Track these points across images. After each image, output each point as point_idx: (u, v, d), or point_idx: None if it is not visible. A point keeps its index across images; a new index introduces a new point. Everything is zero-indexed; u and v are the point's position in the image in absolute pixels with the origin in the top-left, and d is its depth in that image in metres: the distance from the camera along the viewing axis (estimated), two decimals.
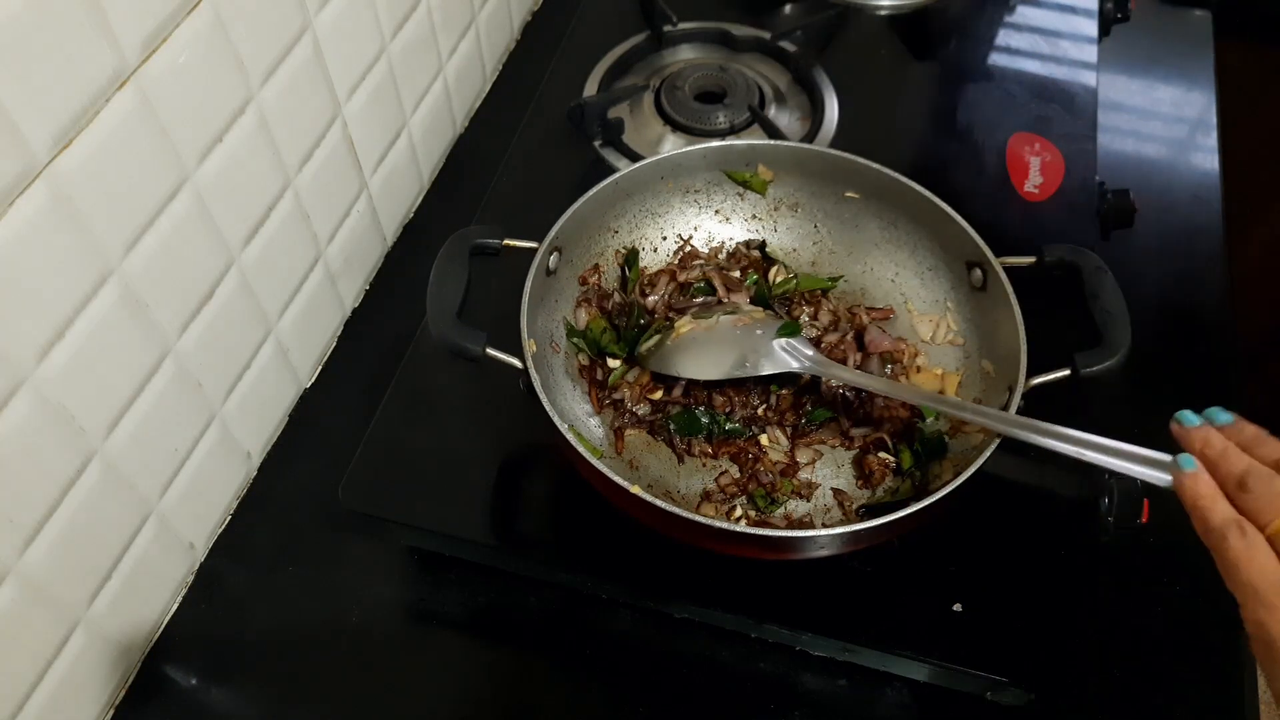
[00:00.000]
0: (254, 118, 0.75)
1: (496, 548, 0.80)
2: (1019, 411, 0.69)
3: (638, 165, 0.86)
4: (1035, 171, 1.03)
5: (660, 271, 0.90)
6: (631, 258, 0.90)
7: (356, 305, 1.00)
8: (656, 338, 0.83)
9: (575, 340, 0.85)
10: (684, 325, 0.82)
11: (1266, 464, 0.50)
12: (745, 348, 0.80)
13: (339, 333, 0.98)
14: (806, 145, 0.89)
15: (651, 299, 0.88)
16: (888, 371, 0.84)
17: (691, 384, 0.82)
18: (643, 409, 0.82)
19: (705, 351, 0.80)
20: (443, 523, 0.80)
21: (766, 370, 0.78)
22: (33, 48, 0.53)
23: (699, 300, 0.88)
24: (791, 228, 0.92)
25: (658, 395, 0.82)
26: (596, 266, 0.88)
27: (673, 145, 1.06)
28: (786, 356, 0.79)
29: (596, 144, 1.06)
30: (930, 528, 0.68)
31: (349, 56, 0.86)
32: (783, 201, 0.91)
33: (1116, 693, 0.74)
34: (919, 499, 0.66)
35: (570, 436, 0.68)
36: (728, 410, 0.82)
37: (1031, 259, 0.78)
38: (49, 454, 0.62)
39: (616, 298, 0.88)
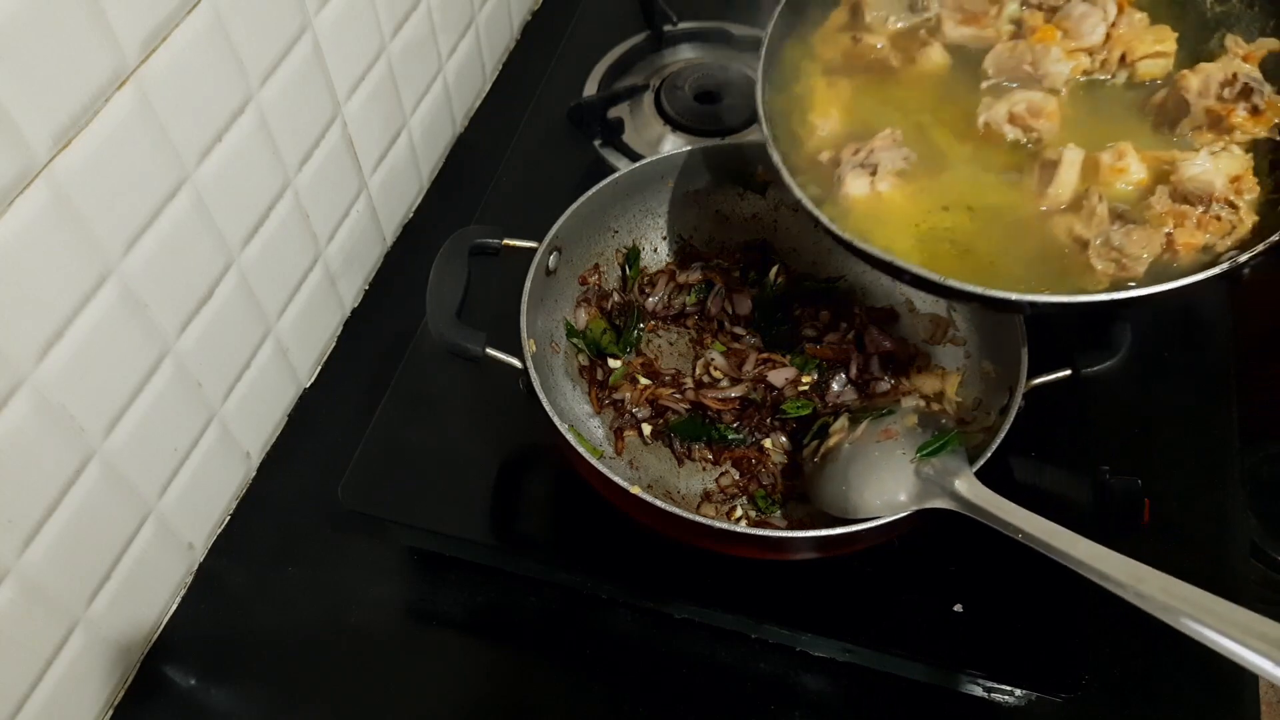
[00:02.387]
0: (254, 117, 0.75)
1: (496, 548, 0.80)
2: (1020, 411, 0.69)
3: (638, 165, 0.86)
4: None
5: (660, 272, 0.90)
6: (632, 257, 0.90)
7: (356, 305, 1.00)
8: (814, 444, 0.77)
9: (575, 340, 0.85)
10: (835, 432, 0.75)
11: None
12: (885, 476, 0.68)
13: (338, 332, 0.98)
14: None
15: (651, 300, 0.88)
16: (889, 372, 0.84)
17: (700, 391, 0.82)
18: (644, 412, 0.82)
19: (845, 480, 0.70)
20: (443, 523, 0.80)
21: (910, 510, 0.66)
22: (33, 47, 0.53)
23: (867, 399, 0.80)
24: (791, 228, 0.92)
25: (665, 393, 0.82)
26: (596, 266, 0.88)
27: (673, 145, 1.06)
28: (933, 488, 0.65)
29: (596, 144, 1.06)
30: (930, 528, 0.68)
31: (349, 56, 0.86)
32: (783, 202, 0.91)
33: (1116, 693, 0.74)
34: None
35: (570, 437, 0.68)
36: (735, 424, 0.81)
37: None
38: (48, 454, 0.62)
39: (616, 298, 0.88)
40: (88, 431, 0.65)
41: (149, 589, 0.77)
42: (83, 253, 0.61)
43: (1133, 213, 0.64)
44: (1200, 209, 0.63)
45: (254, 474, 0.88)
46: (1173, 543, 0.80)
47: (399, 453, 0.83)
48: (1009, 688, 0.72)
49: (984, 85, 0.72)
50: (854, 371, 0.83)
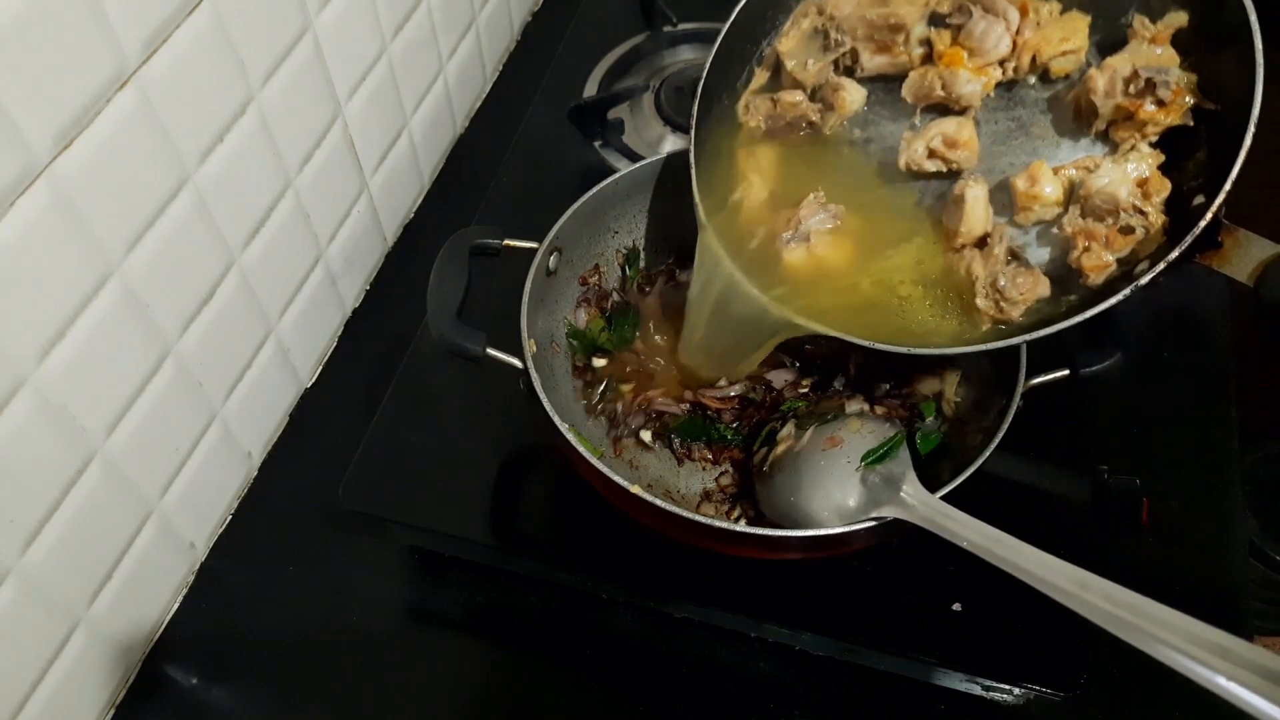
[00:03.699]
0: (255, 118, 0.75)
1: (496, 547, 0.80)
2: (1018, 411, 0.69)
3: (638, 165, 0.86)
4: None
5: (659, 271, 0.90)
6: (632, 257, 0.90)
7: (357, 305, 1.00)
8: (763, 451, 0.77)
9: (573, 340, 0.85)
10: (783, 439, 0.75)
11: None
12: (832, 486, 0.68)
13: (339, 333, 0.98)
14: None
15: (651, 300, 0.88)
16: (888, 372, 0.84)
17: (700, 391, 0.82)
18: (638, 420, 0.82)
19: (794, 490, 0.69)
20: (443, 522, 0.80)
21: (859, 520, 0.65)
22: (34, 48, 0.54)
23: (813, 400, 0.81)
24: None
25: (656, 394, 0.82)
26: (596, 267, 0.88)
27: (673, 146, 1.06)
28: (880, 496, 0.65)
29: (596, 144, 1.06)
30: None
31: (349, 57, 0.87)
32: None
33: (1116, 692, 0.74)
34: None
35: (570, 436, 0.68)
36: (734, 424, 0.81)
37: None
38: (50, 454, 0.63)
39: (616, 297, 0.88)
40: (89, 431, 0.65)
41: (151, 588, 0.77)
42: (84, 253, 0.61)
43: (1026, 254, 0.67)
44: (1110, 221, 0.64)
45: (255, 474, 0.88)
46: (1172, 543, 0.80)
47: (399, 452, 0.83)
48: (1007, 686, 0.72)
49: (915, 120, 0.72)
50: (853, 371, 0.83)
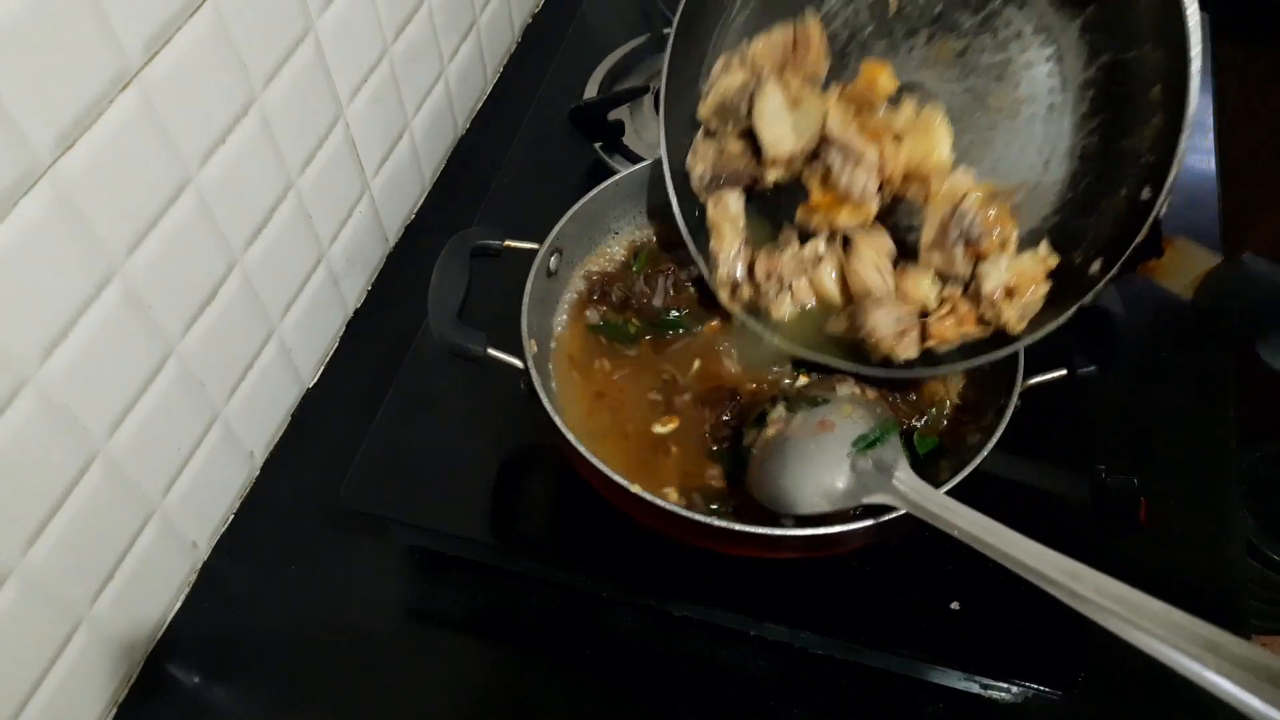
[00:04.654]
0: (256, 119, 0.75)
1: (497, 547, 0.80)
2: (1015, 411, 0.69)
3: (638, 167, 0.86)
4: None
5: (659, 270, 0.90)
6: (633, 258, 0.90)
7: (359, 305, 1.00)
8: (754, 432, 0.75)
9: (598, 327, 0.85)
10: (773, 422, 0.73)
11: None
12: (822, 471, 0.66)
13: (341, 333, 0.98)
14: None
15: (656, 301, 0.88)
16: None
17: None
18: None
19: (783, 474, 0.68)
20: (443, 522, 0.80)
21: (848, 506, 0.64)
22: (36, 49, 0.54)
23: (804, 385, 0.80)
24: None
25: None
26: (598, 267, 0.88)
27: None
28: (870, 482, 0.64)
29: (597, 146, 1.06)
30: (928, 527, 0.68)
31: (351, 58, 0.87)
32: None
33: (1115, 691, 0.74)
34: None
35: (571, 436, 0.69)
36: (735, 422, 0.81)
37: None
38: (52, 453, 0.63)
39: (618, 293, 0.88)
40: (91, 431, 0.66)
41: (153, 588, 0.77)
42: (86, 254, 0.62)
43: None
44: (973, 305, 0.68)
45: (257, 473, 0.88)
46: (1170, 542, 0.80)
47: (400, 452, 0.83)
48: (1005, 685, 0.73)
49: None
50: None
